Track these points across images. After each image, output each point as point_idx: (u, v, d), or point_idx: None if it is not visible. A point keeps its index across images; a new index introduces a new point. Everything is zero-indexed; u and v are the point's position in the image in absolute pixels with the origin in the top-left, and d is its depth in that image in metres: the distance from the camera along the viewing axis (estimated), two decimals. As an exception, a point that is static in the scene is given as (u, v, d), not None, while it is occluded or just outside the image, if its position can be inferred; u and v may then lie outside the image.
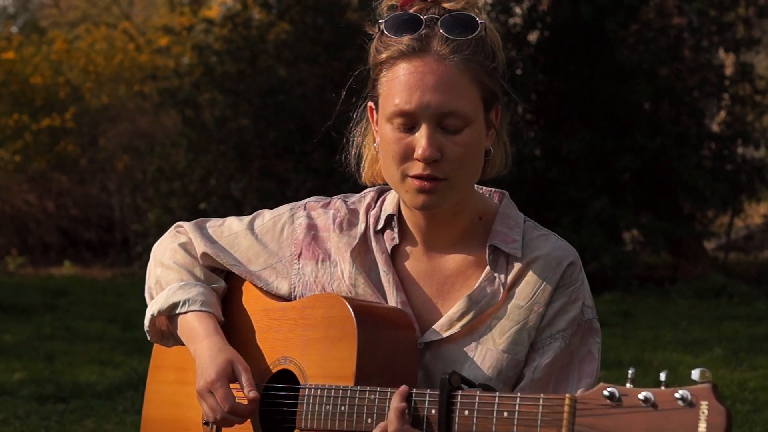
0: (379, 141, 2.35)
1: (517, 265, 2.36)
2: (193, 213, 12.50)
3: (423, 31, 2.27)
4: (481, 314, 2.34)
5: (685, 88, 12.76)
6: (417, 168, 2.26)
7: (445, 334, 2.35)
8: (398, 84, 2.26)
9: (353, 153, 2.49)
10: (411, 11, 2.31)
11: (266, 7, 13.01)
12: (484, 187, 2.50)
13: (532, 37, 12.75)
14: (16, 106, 15.32)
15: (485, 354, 2.33)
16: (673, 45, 12.61)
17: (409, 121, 2.26)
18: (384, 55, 2.29)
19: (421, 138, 2.25)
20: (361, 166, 2.49)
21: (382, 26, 2.30)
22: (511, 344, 2.33)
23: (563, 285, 2.35)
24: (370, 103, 2.40)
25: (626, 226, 12.65)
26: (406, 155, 2.27)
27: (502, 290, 2.35)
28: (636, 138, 12.00)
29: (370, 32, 2.37)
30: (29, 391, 6.48)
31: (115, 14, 20.20)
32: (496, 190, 2.49)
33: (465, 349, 2.34)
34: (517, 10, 12.50)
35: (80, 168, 15.58)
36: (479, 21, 2.29)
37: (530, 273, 2.35)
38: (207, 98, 13.04)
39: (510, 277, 2.36)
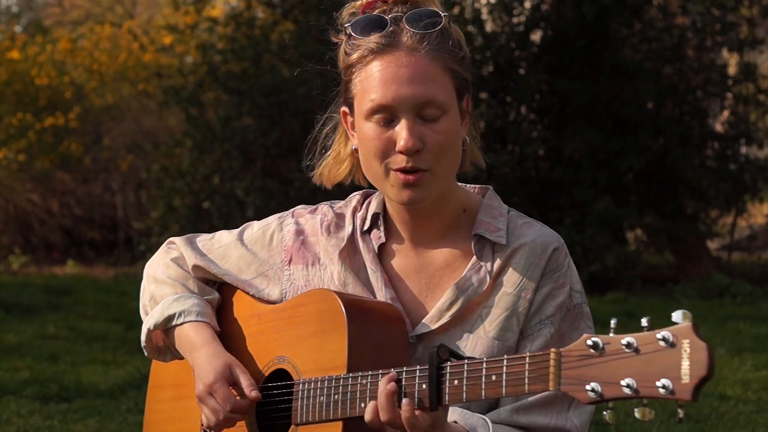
0: (358, 142, 2.39)
1: (503, 253, 2.39)
2: (196, 212, 12.51)
3: (390, 29, 2.33)
4: (470, 303, 2.37)
5: (689, 88, 12.75)
6: (400, 161, 2.31)
7: (436, 326, 2.38)
8: (373, 81, 2.32)
9: (317, 152, 2.54)
10: (374, 14, 2.37)
11: (270, 6, 13.01)
12: (469, 185, 2.53)
13: (535, 36, 12.74)
14: (20, 105, 15.32)
15: (476, 342, 2.36)
16: (677, 44, 12.60)
17: (387, 116, 2.31)
18: (355, 56, 2.35)
19: (401, 130, 2.29)
20: (318, 164, 2.52)
21: (349, 29, 2.37)
22: (501, 331, 2.36)
23: (550, 271, 2.38)
24: (343, 108, 2.43)
25: (630, 226, 12.64)
26: (388, 149, 2.31)
27: (488, 278, 2.38)
28: (639, 138, 11.99)
29: (335, 40, 2.42)
30: (32, 391, 6.47)
31: (119, 13, 20.20)
32: (481, 186, 2.53)
33: (456, 340, 2.37)
34: (520, 9, 12.48)
35: (84, 167, 15.59)
36: (442, 14, 2.34)
37: (516, 260, 2.38)
38: (211, 97, 13.05)
39: (496, 265, 2.39)
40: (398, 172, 2.31)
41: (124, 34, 16.42)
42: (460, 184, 2.48)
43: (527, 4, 12.51)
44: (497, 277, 2.38)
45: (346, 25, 2.41)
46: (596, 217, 11.70)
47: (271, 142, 12.29)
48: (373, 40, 2.33)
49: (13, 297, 10.12)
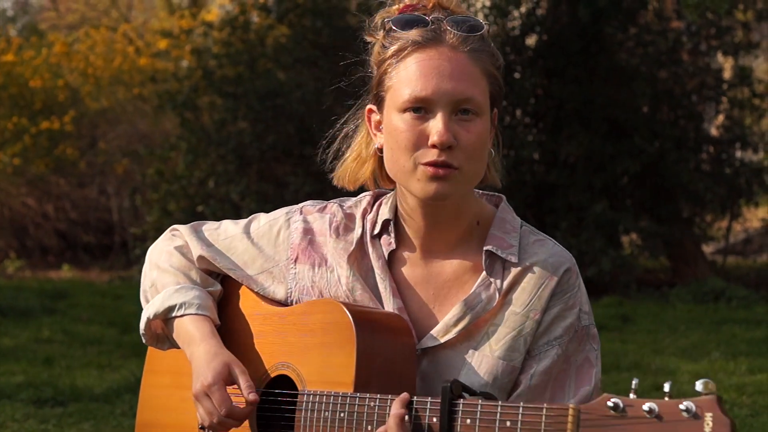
0: (385, 136, 2.34)
1: (514, 271, 2.34)
2: (191, 216, 12.49)
3: (433, 26, 2.31)
4: (477, 320, 2.33)
5: (684, 92, 12.76)
6: (431, 155, 2.26)
7: (442, 340, 2.34)
8: (412, 73, 2.28)
9: (333, 150, 2.50)
10: (414, 14, 2.35)
11: (265, 11, 13.02)
12: (482, 191, 2.48)
13: (531, 41, 12.75)
14: (15, 108, 15.31)
15: (481, 360, 2.32)
16: (672, 48, 12.61)
17: (424, 109, 2.27)
18: (394, 48, 2.31)
19: (437, 124, 2.26)
20: (338, 164, 2.49)
21: (390, 24, 2.33)
22: (507, 351, 2.32)
23: (560, 291, 2.33)
24: (369, 106, 2.40)
25: (625, 230, 12.65)
26: (419, 143, 2.27)
27: (497, 295, 2.33)
28: (635, 142, 12.00)
29: (370, 40, 2.39)
30: (27, 395, 6.47)
31: (114, 17, 20.20)
32: (494, 194, 2.47)
33: (462, 355, 2.33)
34: (516, 13, 12.49)
35: (79, 171, 15.57)
36: (482, 23, 2.35)
37: (527, 279, 2.34)
38: (206, 101, 13.05)
39: (506, 283, 2.34)
40: (427, 166, 2.26)
41: (120, 38, 16.42)
42: (474, 190, 2.43)
43: (522, 9, 12.52)
44: (506, 295, 2.34)
45: (387, 20, 2.35)
46: (592, 220, 11.70)
47: (266, 146, 12.29)
48: (414, 33, 2.30)
49: (8, 301, 10.11)
